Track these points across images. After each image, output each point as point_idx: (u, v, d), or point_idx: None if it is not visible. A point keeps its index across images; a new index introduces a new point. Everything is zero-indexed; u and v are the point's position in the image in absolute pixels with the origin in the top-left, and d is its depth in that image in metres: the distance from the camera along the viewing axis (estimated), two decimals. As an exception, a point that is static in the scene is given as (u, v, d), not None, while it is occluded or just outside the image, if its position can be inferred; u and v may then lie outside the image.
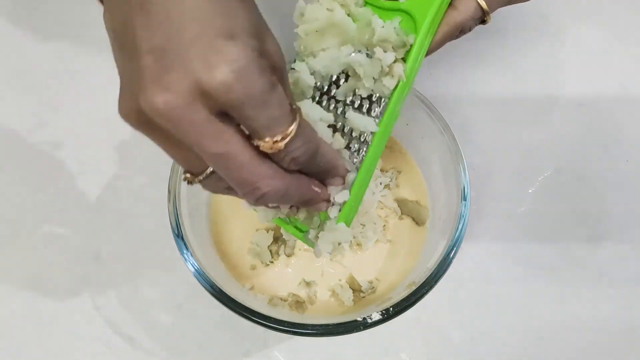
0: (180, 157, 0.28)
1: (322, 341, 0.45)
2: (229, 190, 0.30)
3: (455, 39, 0.36)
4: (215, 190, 0.30)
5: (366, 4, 0.34)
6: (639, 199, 0.49)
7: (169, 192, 0.40)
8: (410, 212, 0.45)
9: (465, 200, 0.39)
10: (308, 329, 0.37)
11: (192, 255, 0.38)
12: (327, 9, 0.33)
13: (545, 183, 0.49)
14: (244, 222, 0.45)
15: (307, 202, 0.32)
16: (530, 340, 0.45)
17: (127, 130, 0.52)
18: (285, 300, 0.43)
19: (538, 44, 0.53)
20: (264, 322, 0.37)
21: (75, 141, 0.51)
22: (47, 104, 0.52)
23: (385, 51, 0.33)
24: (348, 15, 0.34)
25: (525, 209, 0.48)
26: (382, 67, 0.33)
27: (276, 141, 0.26)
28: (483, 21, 0.36)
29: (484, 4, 0.34)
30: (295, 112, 0.27)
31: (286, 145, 0.27)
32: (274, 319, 0.37)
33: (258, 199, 0.28)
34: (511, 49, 0.53)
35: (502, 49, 0.53)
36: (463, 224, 0.39)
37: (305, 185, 0.31)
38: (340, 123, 0.35)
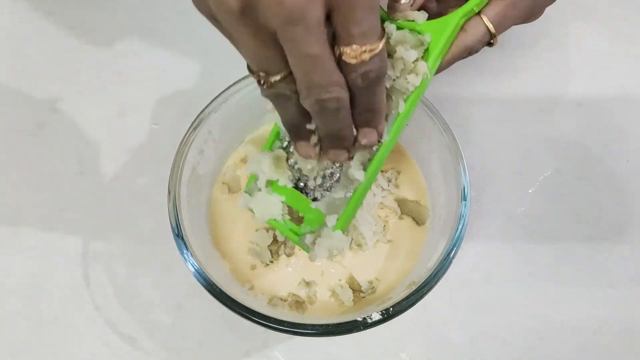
0: (262, 54, 0.29)
1: (322, 341, 0.45)
2: (290, 97, 0.30)
3: (463, 59, 0.37)
4: (279, 93, 0.30)
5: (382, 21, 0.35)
6: (639, 199, 0.49)
7: (169, 192, 0.40)
8: (410, 212, 0.45)
9: (465, 200, 0.39)
10: (308, 329, 0.37)
11: (192, 255, 0.38)
12: None
13: (545, 183, 0.49)
14: (244, 222, 0.45)
15: (341, 137, 0.32)
16: (530, 340, 0.45)
17: (127, 130, 0.53)
18: (285, 300, 0.43)
19: (538, 44, 0.53)
20: (264, 322, 0.37)
21: (75, 141, 0.51)
22: (47, 104, 0.52)
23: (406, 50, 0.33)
24: None
25: (525, 209, 0.48)
26: (404, 65, 0.33)
27: (364, 51, 0.28)
28: (490, 43, 0.37)
29: (492, 28, 0.36)
30: (384, 33, 0.29)
31: (370, 58, 0.28)
32: (274, 319, 0.37)
33: (319, 101, 0.29)
34: (511, 49, 0.53)
35: (502, 49, 0.53)
36: (463, 224, 0.38)
37: (348, 127, 0.32)
38: None
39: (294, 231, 0.37)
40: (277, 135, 0.38)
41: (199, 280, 0.38)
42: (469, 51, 0.37)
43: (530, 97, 0.51)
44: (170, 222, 0.39)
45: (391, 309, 0.37)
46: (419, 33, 0.34)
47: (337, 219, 0.35)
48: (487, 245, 0.47)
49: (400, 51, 0.33)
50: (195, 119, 0.42)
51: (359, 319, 0.37)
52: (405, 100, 0.34)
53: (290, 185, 0.37)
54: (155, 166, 0.49)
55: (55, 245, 0.47)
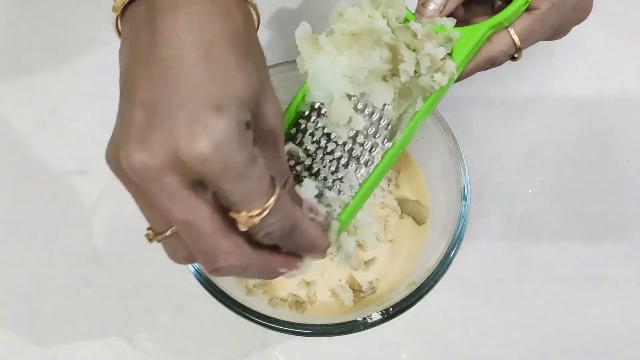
0: (148, 214, 0.29)
1: (322, 341, 0.45)
2: (186, 258, 0.29)
3: (484, 70, 0.37)
4: (172, 254, 0.30)
5: (406, 21, 0.34)
6: (639, 199, 0.49)
7: (169, 192, 0.40)
8: (411, 211, 0.45)
9: (465, 200, 0.39)
10: (308, 329, 0.37)
11: (192, 255, 0.38)
12: (369, 15, 0.33)
13: (545, 183, 0.49)
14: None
15: (268, 276, 0.31)
16: (530, 340, 0.45)
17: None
18: (285, 300, 0.43)
19: (538, 45, 0.53)
20: (264, 322, 0.37)
21: (75, 141, 0.51)
22: (47, 104, 0.52)
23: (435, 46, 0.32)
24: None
25: (525, 209, 0.48)
26: (431, 63, 0.32)
27: (251, 216, 0.26)
28: (514, 57, 0.37)
29: (517, 41, 0.35)
30: (275, 186, 0.26)
31: (261, 220, 0.26)
32: (274, 319, 0.37)
33: (212, 271, 0.27)
34: (511, 49, 0.53)
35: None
36: (463, 224, 0.39)
37: (269, 264, 0.29)
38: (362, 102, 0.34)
39: None
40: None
41: (199, 280, 0.38)
42: (493, 62, 0.36)
43: (530, 97, 0.51)
44: (170, 222, 0.39)
45: (391, 309, 0.37)
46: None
47: (339, 214, 0.34)
48: (487, 245, 0.47)
49: (428, 47, 0.32)
50: (195, 119, 0.42)
51: (359, 319, 0.37)
52: (424, 100, 0.33)
53: None
54: (155, 166, 0.49)
55: (55, 245, 0.47)
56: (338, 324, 0.37)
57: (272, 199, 0.26)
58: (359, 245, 0.44)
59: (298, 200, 0.32)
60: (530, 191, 0.49)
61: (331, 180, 0.34)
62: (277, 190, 0.26)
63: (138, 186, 0.26)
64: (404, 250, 0.44)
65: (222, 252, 0.26)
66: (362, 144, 0.34)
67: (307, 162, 0.35)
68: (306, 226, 0.30)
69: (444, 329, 0.45)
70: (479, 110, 0.51)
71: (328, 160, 0.35)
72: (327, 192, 0.34)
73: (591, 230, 0.48)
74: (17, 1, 0.55)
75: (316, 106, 0.35)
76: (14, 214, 0.49)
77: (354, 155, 0.34)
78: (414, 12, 0.35)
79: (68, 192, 0.49)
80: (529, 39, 0.36)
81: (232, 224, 0.26)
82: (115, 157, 0.27)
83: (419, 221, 0.45)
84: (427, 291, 0.37)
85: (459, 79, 0.35)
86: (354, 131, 0.34)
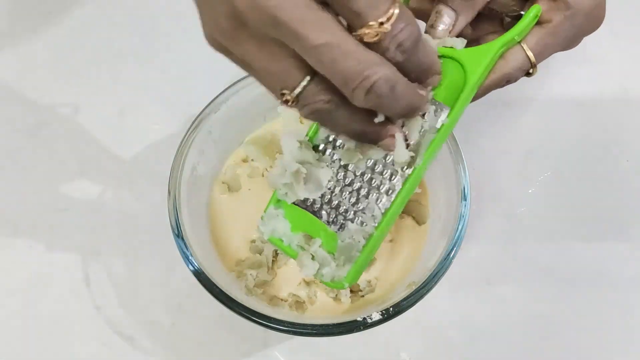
0: (274, 69, 0.27)
1: (322, 341, 0.45)
2: (329, 100, 0.27)
3: (500, 87, 0.36)
4: (313, 105, 0.28)
5: None
6: (639, 199, 0.49)
7: (169, 192, 0.40)
8: (411, 211, 0.45)
9: (465, 200, 0.39)
10: (308, 329, 0.37)
11: (192, 255, 0.38)
12: None
13: (545, 183, 0.49)
14: (244, 222, 0.45)
15: (412, 108, 0.29)
16: (530, 340, 0.45)
17: (127, 131, 0.53)
18: (285, 301, 0.43)
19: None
20: (264, 322, 0.37)
21: (75, 141, 0.51)
22: (48, 103, 0.52)
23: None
24: None
25: (525, 209, 0.48)
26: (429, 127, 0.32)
27: (382, 23, 0.25)
28: (528, 73, 0.36)
29: (532, 57, 0.35)
30: None
31: (392, 26, 0.25)
32: (274, 319, 0.37)
33: (368, 92, 0.26)
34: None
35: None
36: (463, 224, 0.38)
37: (410, 85, 0.28)
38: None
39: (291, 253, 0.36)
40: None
41: (199, 280, 0.38)
42: (508, 79, 0.35)
43: (530, 97, 0.51)
44: (170, 222, 0.39)
45: (391, 309, 0.37)
46: (457, 61, 0.33)
47: (348, 272, 0.33)
48: (487, 245, 0.47)
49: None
50: (195, 119, 0.42)
51: (359, 319, 0.37)
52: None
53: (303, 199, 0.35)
54: (155, 166, 0.49)
55: (55, 245, 0.47)
56: (338, 324, 0.37)
57: (397, 4, 0.25)
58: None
59: None
60: (530, 191, 0.49)
61: (352, 213, 0.34)
62: None
63: (259, 35, 0.25)
64: (403, 250, 0.44)
65: (371, 64, 0.26)
66: (381, 173, 0.34)
67: (327, 195, 0.35)
68: (425, 43, 0.29)
69: (444, 329, 0.45)
70: (479, 110, 0.51)
71: (347, 192, 0.34)
72: (349, 225, 0.34)
73: (591, 230, 0.48)
74: (17, 1, 0.55)
75: (330, 139, 0.35)
76: (14, 214, 0.49)
77: (373, 185, 0.34)
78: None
79: (68, 192, 0.49)
80: (543, 53, 0.35)
81: (365, 43, 0.26)
82: (223, 19, 0.26)
83: (419, 221, 0.45)
84: (427, 291, 0.37)
85: (475, 98, 0.35)
86: (372, 161, 0.34)
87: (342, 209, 0.34)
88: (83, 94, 0.52)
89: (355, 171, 0.34)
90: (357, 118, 0.29)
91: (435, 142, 0.33)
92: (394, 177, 0.33)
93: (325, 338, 0.43)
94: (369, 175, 0.34)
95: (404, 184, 0.33)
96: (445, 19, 0.34)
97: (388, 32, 0.25)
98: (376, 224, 0.33)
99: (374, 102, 0.27)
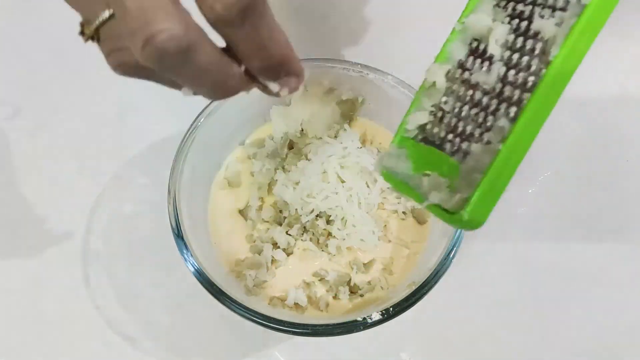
0: None
1: (322, 341, 0.45)
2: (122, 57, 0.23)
3: None
4: (119, 60, 0.24)
5: None
6: (639, 199, 0.49)
7: (169, 192, 0.40)
8: (411, 211, 0.45)
9: (465, 200, 0.39)
10: (308, 329, 0.37)
11: (192, 255, 0.38)
12: None
13: (545, 183, 0.49)
14: (244, 221, 0.45)
15: (215, 85, 0.23)
16: (530, 340, 0.45)
17: (127, 130, 0.53)
18: (284, 300, 0.43)
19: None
20: (264, 322, 0.37)
21: (75, 141, 0.51)
22: (47, 103, 0.52)
23: None
24: None
25: (525, 209, 0.48)
26: None
27: None
28: None
29: None
30: None
31: None
32: (274, 319, 0.37)
33: (145, 49, 0.21)
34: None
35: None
36: (463, 224, 0.38)
37: (222, 59, 0.23)
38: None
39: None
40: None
41: (199, 280, 0.38)
42: None
43: (530, 97, 0.51)
44: (170, 222, 0.39)
45: (391, 309, 0.37)
46: None
47: (470, 198, 0.28)
48: (487, 245, 0.47)
49: None
50: (196, 119, 0.42)
51: (359, 319, 0.37)
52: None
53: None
54: (155, 166, 0.49)
55: (55, 245, 0.47)
56: (338, 324, 0.37)
57: None
58: (358, 245, 0.44)
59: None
60: (530, 191, 0.49)
61: (478, 134, 0.29)
62: None
63: None
64: (404, 250, 0.44)
65: (168, 15, 0.20)
66: (512, 83, 0.28)
67: (453, 121, 0.30)
68: (278, 29, 0.23)
69: (444, 329, 0.45)
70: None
71: (474, 113, 0.29)
72: (472, 147, 0.28)
73: (591, 230, 0.48)
74: (17, 1, 0.55)
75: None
76: (14, 214, 0.49)
77: (504, 97, 0.28)
78: None
79: (68, 192, 0.49)
80: None
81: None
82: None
83: (419, 221, 0.45)
84: (427, 291, 0.37)
85: None
86: (503, 70, 0.28)
87: (467, 133, 0.29)
88: (83, 93, 0.52)
89: (484, 86, 0.29)
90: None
91: (578, 27, 0.27)
92: (528, 82, 0.28)
93: (325, 338, 0.43)
94: (500, 87, 0.28)
95: (538, 83, 0.27)
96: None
97: None
98: (502, 138, 0.27)
99: (152, 61, 0.21)
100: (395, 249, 0.44)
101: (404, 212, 0.45)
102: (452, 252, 0.38)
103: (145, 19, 0.20)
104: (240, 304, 0.37)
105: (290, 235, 0.44)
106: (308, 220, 0.43)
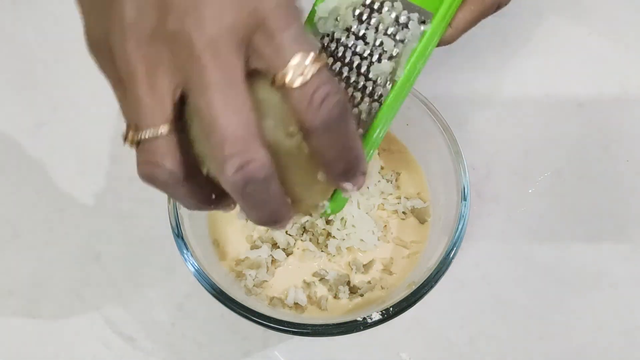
0: (140, 91, 0.24)
1: (322, 341, 0.45)
2: (168, 180, 0.23)
3: (490, 15, 0.33)
4: (149, 173, 0.24)
5: None
6: (639, 199, 0.49)
7: (169, 192, 0.40)
8: (411, 211, 0.45)
9: (465, 200, 0.39)
10: (308, 329, 0.37)
11: (192, 255, 0.38)
12: None
13: (545, 183, 0.49)
14: (244, 222, 0.45)
15: (271, 219, 0.25)
16: (530, 340, 0.45)
17: (127, 130, 0.52)
18: (284, 300, 0.43)
19: (538, 44, 0.53)
20: (264, 322, 0.37)
21: (75, 141, 0.51)
22: (47, 104, 0.52)
23: None
24: None
25: (525, 209, 0.48)
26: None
27: (312, 62, 0.21)
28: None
29: None
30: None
31: (319, 70, 0.21)
32: (274, 319, 0.37)
33: (236, 173, 0.22)
34: (511, 49, 0.53)
35: (502, 49, 0.53)
36: (463, 224, 0.39)
37: (281, 190, 0.24)
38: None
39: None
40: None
41: (199, 280, 0.38)
42: (498, 4, 0.32)
43: (530, 97, 0.51)
44: (170, 222, 0.39)
45: (391, 309, 0.37)
46: None
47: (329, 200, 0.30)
48: (487, 245, 0.47)
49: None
50: (195, 119, 0.42)
51: (359, 319, 0.37)
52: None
53: None
54: (155, 166, 0.49)
55: (55, 245, 0.47)
56: (338, 324, 0.37)
57: (316, 54, 0.22)
58: (358, 245, 0.44)
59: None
60: (530, 191, 0.49)
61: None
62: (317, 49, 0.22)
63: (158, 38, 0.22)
64: (403, 250, 0.44)
65: (258, 136, 0.22)
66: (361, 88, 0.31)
67: None
68: (355, 128, 0.24)
69: (444, 329, 0.45)
70: (478, 110, 0.51)
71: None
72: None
73: (591, 230, 0.48)
74: (17, 1, 0.55)
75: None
76: (14, 214, 0.49)
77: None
78: None
79: (68, 192, 0.49)
80: None
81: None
82: (102, 38, 0.23)
83: (420, 220, 0.45)
84: (427, 291, 0.37)
85: (462, 31, 0.32)
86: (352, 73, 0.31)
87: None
88: (83, 93, 0.52)
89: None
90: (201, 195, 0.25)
91: (418, 51, 0.30)
92: (375, 93, 0.31)
93: (325, 338, 0.43)
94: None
95: (385, 99, 0.30)
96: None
97: (309, 80, 0.21)
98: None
99: (237, 186, 0.22)
100: (395, 249, 0.44)
101: (403, 212, 0.45)
102: (452, 252, 0.38)
103: (243, 147, 0.21)
104: (240, 304, 0.37)
105: (289, 235, 0.44)
106: (307, 220, 0.43)
